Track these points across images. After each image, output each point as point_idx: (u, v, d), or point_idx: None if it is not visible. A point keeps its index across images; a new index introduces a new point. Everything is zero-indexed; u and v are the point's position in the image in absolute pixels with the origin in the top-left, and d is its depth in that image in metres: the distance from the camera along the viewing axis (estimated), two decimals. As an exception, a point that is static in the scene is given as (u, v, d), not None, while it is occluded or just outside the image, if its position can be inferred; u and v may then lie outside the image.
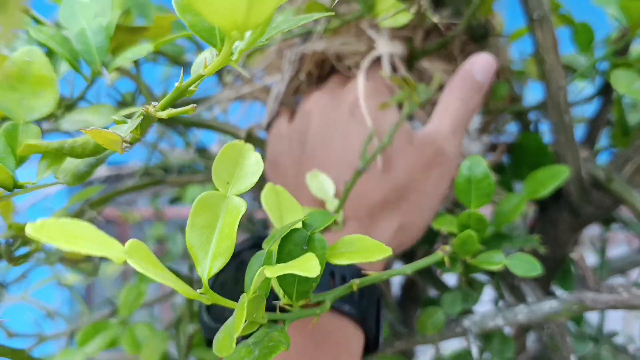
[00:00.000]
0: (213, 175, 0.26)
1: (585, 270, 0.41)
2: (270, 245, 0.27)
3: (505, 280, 0.48)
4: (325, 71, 0.52)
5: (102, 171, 0.72)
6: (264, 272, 0.23)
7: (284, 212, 0.32)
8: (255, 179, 0.26)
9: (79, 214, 0.42)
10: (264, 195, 0.31)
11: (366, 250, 0.28)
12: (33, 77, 0.30)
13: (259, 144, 0.50)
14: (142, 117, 0.25)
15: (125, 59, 0.34)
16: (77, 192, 0.45)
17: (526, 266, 0.35)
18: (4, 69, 0.29)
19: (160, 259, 0.67)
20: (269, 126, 0.50)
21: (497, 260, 0.34)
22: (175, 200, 0.76)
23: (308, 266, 0.23)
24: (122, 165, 0.75)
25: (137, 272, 0.72)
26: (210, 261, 0.24)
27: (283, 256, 0.28)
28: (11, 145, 0.29)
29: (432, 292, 0.58)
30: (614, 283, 0.43)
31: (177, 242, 0.71)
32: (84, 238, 0.19)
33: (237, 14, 0.15)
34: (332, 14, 0.24)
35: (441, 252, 0.34)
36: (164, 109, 0.25)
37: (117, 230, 1.41)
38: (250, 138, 0.49)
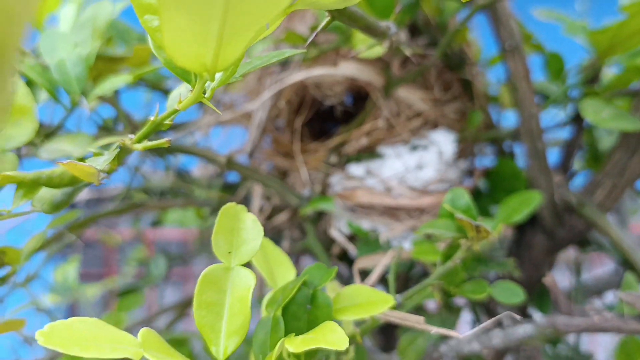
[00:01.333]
0: (213, 247, 0.25)
1: (558, 295, 0.42)
2: (275, 310, 0.26)
3: (481, 304, 0.49)
4: (305, 98, 0.52)
5: (82, 194, 0.71)
6: (286, 346, 0.22)
7: (273, 266, 0.31)
8: (257, 245, 0.25)
9: (57, 238, 0.42)
10: (254, 260, 0.30)
11: (370, 302, 0.28)
12: (12, 106, 0.31)
13: (240, 169, 0.51)
14: (118, 149, 0.25)
15: (104, 89, 0.34)
16: (57, 215, 0.45)
17: (509, 293, 0.36)
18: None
19: (142, 281, 0.65)
20: (252, 153, 0.51)
21: (481, 289, 0.35)
22: (156, 223, 0.76)
23: (336, 339, 0.22)
24: (103, 188, 0.75)
25: (118, 297, 0.70)
26: (224, 341, 0.23)
27: (288, 319, 0.27)
28: (-12, 175, 0.30)
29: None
30: (588, 306, 0.44)
31: (159, 265, 0.71)
32: (98, 339, 0.18)
33: (205, 59, 0.16)
34: (305, 51, 0.25)
35: (431, 288, 0.35)
36: (139, 141, 0.25)
37: (99, 252, 1.40)
38: (230, 163, 0.50)
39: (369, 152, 0.53)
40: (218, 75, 0.21)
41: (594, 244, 0.61)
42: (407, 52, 0.42)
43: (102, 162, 0.25)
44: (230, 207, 0.27)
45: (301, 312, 0.27)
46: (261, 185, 0.55)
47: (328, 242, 0.54)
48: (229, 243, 0.26)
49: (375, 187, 0.52)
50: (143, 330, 0.21)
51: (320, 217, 0.54)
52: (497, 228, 0.39)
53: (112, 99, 0.45)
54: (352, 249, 0.50)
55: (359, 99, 0.58)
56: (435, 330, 0.29)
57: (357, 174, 0.52)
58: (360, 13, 0.26)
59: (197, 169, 0.71)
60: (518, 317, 0.44)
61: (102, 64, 0.37)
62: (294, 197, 0.52)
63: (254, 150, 0.51)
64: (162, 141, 0.24)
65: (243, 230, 0.26)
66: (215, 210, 0.56)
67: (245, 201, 0.57)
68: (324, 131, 0.64)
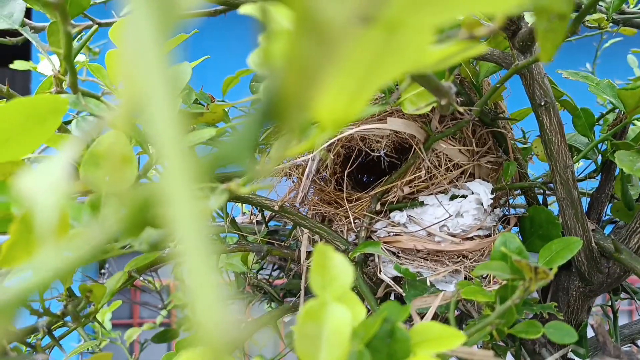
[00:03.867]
0: (311, 282, 0.28)
1: (605, 336, 0.43)
2: (359, 344, 0.28)
3: (525, 347, 0.50)
4: (351, 151, 0.56)
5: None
6: None
7: (347, 304, 0.33)
8: (348, 281, 0.28)
9: (127, 278, 0.45)
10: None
11: (444, 337, 0.30)
12: (116, 156, 0.35)
13: (291, 216, 0.54)
14: (226, 192, 0.28)
15: (191, 141, 0.38)
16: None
17: (562, 334, 0.38)
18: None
19: (179, 324, 0.68)
20: (303, 200, 0.54)
21: (535, 330, 0.37)
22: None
23: None
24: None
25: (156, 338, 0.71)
26: None
27: (371, 353, 0.29)
28: (95, 215, 0.33)
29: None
30: (634, 348, 0.45)
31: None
32: None
33: (339, 109, 0.20)
34: (389, 105, 0.29)
35: (490, 327, 0.37)
36: (244, 185, 0.29)
37: (125, 305, 1.42)
38: (282, 209, 0.53)
39: (410, 201, 0.56)
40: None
41: (626, 291, 0.63)
42: (460, 108, 0.46)
43: (213, 202, 0.28)
44: (321, 246, 0.30)
45: (382, 345, 0.30)
46: (309, 232, 0.58)
47: (372, 287, 0.57)
48: (323, 279, 0.28)
49: (417, 234, 0.55)
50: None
51: (365, 263, 0.57)
52: (554, 270, 0.41)
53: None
54: (400, 291, 0.52)
55: (399, 151, 0.61)
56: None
57: (400, 221, 0.55)
58: (434, 77, 0.30)
59: (239, 218, 0.74)
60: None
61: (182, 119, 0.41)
62: (341, 242, 0.55)
63: (304, 198, 0.54)
64: (267, 184, 0.28)
65: (334, 267, 0.29)
66: (266, 255, 0.59)
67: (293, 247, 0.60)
68: (363, 183, 0.67)
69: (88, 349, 0.62)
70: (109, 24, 0.51)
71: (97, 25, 0.46)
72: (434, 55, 0.25)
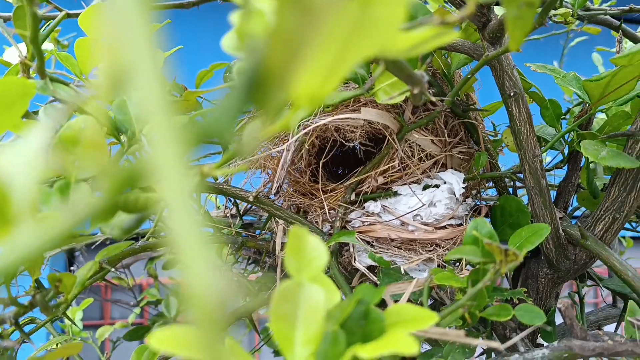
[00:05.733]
0: (286, 264, 0.28)
1: (573, 320, 0.45)
2: (334, 325, 0.28)
3: (497, 332, 0.51)
4: (326, 142, 0.57)
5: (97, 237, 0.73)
6: (357, 353, 0.24)
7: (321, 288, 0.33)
8: (322, 263, 0.28)
9: (98, 270, 0.44)
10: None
11: (417, 318, 0.30)
12: (86, 141, 0.34)
13: (266, 206, 0.54)
14: (198, 175, 0.28)
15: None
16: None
17: (532, 315, 0.39)
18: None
19: (152, 320, 0.67)
20: (277, 191, 0.54)
21: (506, 312, 0.38)
22: (168, 266, 0.78)
23: (407, 344, 0.24)
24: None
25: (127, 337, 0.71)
26: (299, 349, 0.25)
27: (345, 334, 0.29)
28: (64, 201, 0.32)
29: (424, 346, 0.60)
30: (601, 331, 0.47)
31: (171, 306, 0.72)
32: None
33: (314, 85, 0.20)
34: (364, 92, 0.29)
35: (462, 310, 0.38)
36: (219, 167, 0.28)
37: (96, 304, 1.39)
38: (257, 200, 0.53)
39: (384, 191, 0.57)
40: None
41: (592, 278, 0.65)
42: (431, 98, 0.47)
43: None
44: (296, 229, 0.30)
45: (357, 327, 0.30)
46: (284, 223, 0.58)
47: (347, 276, 0.57)
48: (298, 261, 0.28)
49: (391, 223, 0.55)
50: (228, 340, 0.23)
51: (340, 252, 0.57)
52: (523, 253, 0.42)
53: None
54: (374, 279, 0.53)
55: (373, 142, 0.62)
56: (477, 342, 0.32)
57: (374, 211, 0.56)
58: (407, 64, 0.31)
59: (214, 211, 0.74)
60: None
61: (154, 106, 0.41)
62: (316, 232, 0.55)
63: (279, 189, 0.54)
64: (241, 165, 0.28)
65: (309, 250, 0.29)
66: (240, 247, 0.59)
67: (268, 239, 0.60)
68: (337, 175, 0.68)
69: (57, 344, 0.60)
70: (77, 15, 0.49)
71: (65, 12, 0.45)
72: (407, 40, 0.25)
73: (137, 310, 1.05)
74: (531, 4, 0.25)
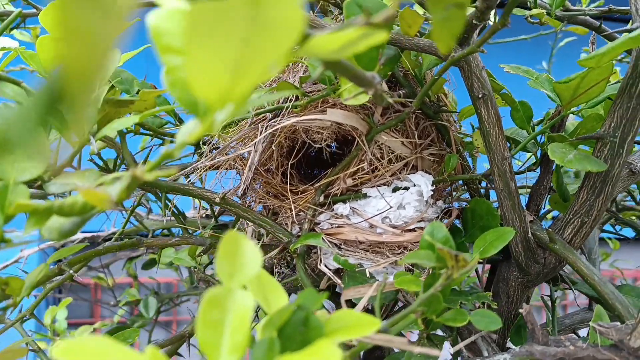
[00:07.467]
0: (216, 270, 0.27)
1: (534, 324, 0.44)
2: (271, 331, 0.28)
3: (462, 336, 0.51)
4: (295, 142, 0.56)
5: (79, 237, 0.73)
6: None
7: (267, 293, 0.33)
8: (256, 268, 0.27)
9: (58, 272, 0.43)
10: (250, 287, 0.32)
11: (359, 324, 0.30)
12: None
13: (233, 208, 0.53)
14: (130, 178, 0.28)
15: (112, 128, 0.37)
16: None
17: (487, 321, 0.39)
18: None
19: (132, 320, 0.66)
20: (244, 192, 0.53)
21: (462, 317, 0.37)
22: (147, 265, 0.77)
23: (329, 355, 0.23)
24: (98, 232, 0.77)
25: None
26: (226, 356, 0.25)
27: (283, 340, 0.29)
28: (0, 203, 0.32)
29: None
30: (563, 336, 0.46)
31: (150, 306, 0.71)
32: (110, 356, 0.21)
33: (222, 86, 0.19)
34: (301, 92, 0.29)
35: (414, 315, 0.37)
36: (150, 170, 0.28)
37: (86, 304, 1.40)
38: (224, 202, 0.52)
39: (354, 193, 0.56)
40: (227, 108, 0.24)
41: (565, 281, 0.65)
42: (390, 99, 0.46)
43: (117, 188, 0.27)
44: (231, 234, 0.29)
45: (295, 333, 0.29)
46: (253, 225, 0.57)
47: (315, 279, 0.56)
48: (230, 266, 0.28)
49: (360, 225, 0.55)
50: (150, 347, 0.23)
51: (308, 255, 0.56)
52: (474, 258, 0.41)
53: (113, 141, 0.48)
54: (339, 282, 0.52)
55: (345, 143, 0.61)
56: (418, 350, 0.31)
57: (343, 213, 0.55)
58: (350, 64, 0.30)
59: (190, 212, 0.73)
60: (493, 343, 0.46)
61: (109, 107, 0.40)
62: (285, 234, 0.54)
63: (246, 190, 0.54)
64: (171, 169, 0.27)
65: (243, 255, 0.28)
66: (208, 249, 0.58)
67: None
68: (310, 176, 0.67)
69: (26, 344, 0.60)
70: (36, 14, 0.49)
71: (19, 10, 0.45)
72: (335, 40, 0.24)
73: (121, 312, 1.05)
74: (461, 5, 0.25)
